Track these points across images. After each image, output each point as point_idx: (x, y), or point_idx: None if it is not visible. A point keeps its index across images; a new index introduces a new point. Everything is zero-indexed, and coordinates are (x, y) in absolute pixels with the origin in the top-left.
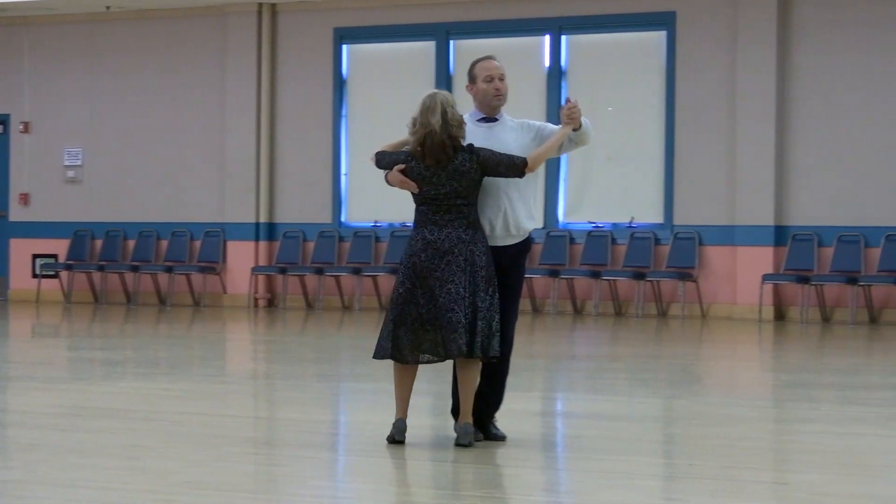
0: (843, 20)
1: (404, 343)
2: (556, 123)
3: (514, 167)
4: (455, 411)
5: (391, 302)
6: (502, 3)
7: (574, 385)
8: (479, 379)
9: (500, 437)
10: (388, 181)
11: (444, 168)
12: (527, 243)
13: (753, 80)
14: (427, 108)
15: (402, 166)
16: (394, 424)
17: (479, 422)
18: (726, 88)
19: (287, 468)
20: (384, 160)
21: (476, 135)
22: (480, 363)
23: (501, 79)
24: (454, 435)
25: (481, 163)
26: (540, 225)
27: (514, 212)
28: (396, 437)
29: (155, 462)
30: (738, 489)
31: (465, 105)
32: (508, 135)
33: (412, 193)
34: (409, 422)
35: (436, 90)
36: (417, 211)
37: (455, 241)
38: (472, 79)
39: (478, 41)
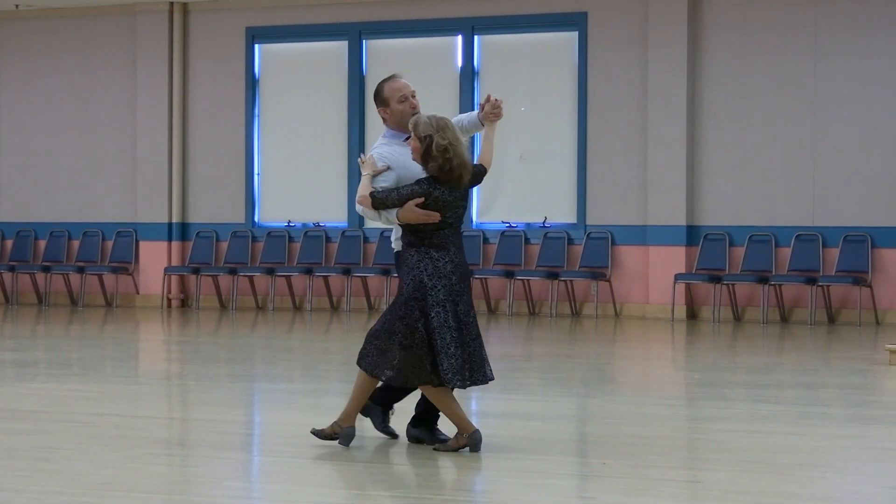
0: (753, 21)
1: (458, 366)
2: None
3: (481, 175)
4: (422, 420)
5: (433, 331)
6: (415, 3)
7: (488, 385)
8: None
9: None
10: (398, 219)
11: (459, 189)
12: None
13: (664, 80)
14: (452, 128)
15: (419, 200)
16: (471, 436)
17: (429, 426)
18: (638, 89)
19: (200, 469)
20: (390, 198)
21: (407, 156)
22: None
23: (413, 96)
24: (376, 437)
25: (472, 178)
26: None
27: None
28: (478, 448)
29: (67, 464)
30: (652, 487)
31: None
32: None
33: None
34: (326, 421)
35: (429, 114)
36: (435, 234)
37: (466, 263)
38: (383, 102)
39: (391, 41)
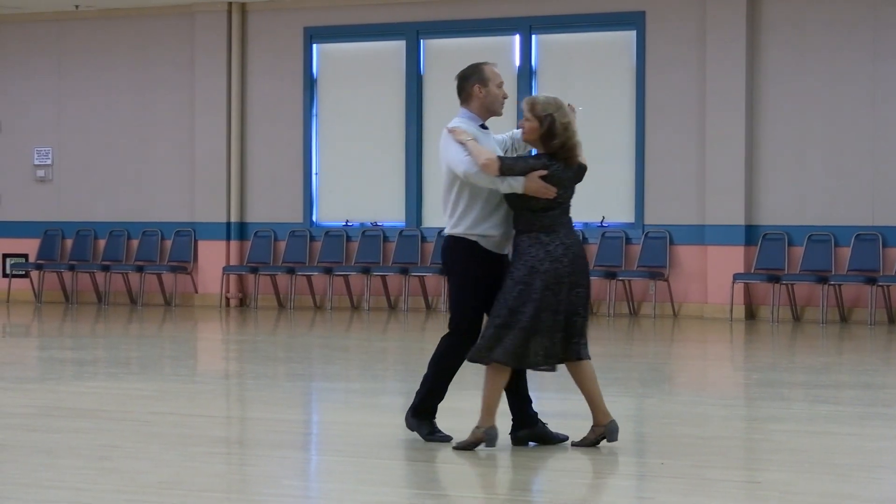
0: (812, 19)
1: (535, 349)
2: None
3: (584, 171)
4: (519, 416)
5: (521, 307)
6: (473, 3)
7: (546, 384)
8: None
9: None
10: (524, 188)
11: (571, 169)
12: None
13: (723, 79)
14: (566, 108)
15: (543, 172)
16: (487, 432)
17: (527, 421)
18: (696, 88)
19: (258, 468)
20: (518, 165)
21: (483, 139)
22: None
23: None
24: (438, 436)
25: (579, 171)
26: None
27: None
28: (488, 445)
29: (125, 462)
30: (710, 488)
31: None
32: (496, 146)
33: (532, 199)
34: (384, 420)
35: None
36: (545, 216)
37: (579, 244)
38: (483, 81)
39: (448, 41)
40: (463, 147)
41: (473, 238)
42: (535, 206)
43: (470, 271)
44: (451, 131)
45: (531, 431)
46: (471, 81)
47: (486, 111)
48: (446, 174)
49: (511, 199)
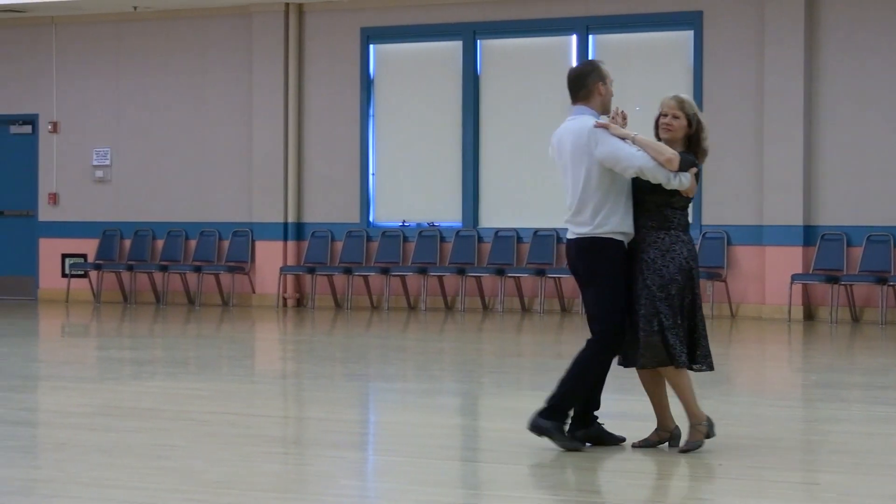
0: (871, 19)
1: (699, 349)
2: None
3: None
4: (579, 416)
5: (681, 304)
6: (529, 3)
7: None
8: None
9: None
10: (686, 188)
11: None
12: None
13: (781, 79)
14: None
15: (695, 169)
16: (706, 424)
17: (585, 421)
18: (754, 88)
19: (315, 467)
20: (688, 161)
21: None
22: None
23: None
24: (573, 444)
25: None
26: None
27: None
28: (712, 433)
29: (183, 461)
30: (767, 489)
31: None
32: None
33: (675, 196)
34: (440, 421)
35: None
36: (682, 214)
37: None
38: (603, 78)
39: (505, 41)
40: (625, 141)
41: (620, 238)
42: (677, 203)
43: (619, 273)
44: (607, 126)
45: (587, 432)
46: (592, 78)
47: (604, 108)
48: (593, 172)
49: (655, 195)
